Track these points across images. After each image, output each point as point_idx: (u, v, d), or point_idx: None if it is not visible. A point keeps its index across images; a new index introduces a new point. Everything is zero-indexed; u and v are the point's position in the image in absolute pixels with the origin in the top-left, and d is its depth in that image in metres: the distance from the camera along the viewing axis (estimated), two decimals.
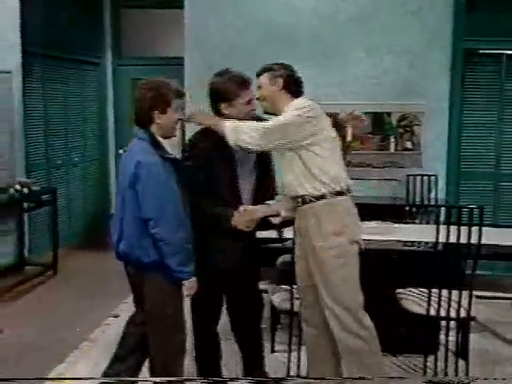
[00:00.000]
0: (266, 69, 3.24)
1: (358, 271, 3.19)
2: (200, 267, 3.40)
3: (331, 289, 3.15)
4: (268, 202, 3.35)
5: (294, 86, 3.22)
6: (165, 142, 3.07)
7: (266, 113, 3.30)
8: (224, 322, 3.62)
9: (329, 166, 3.11)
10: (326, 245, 3.11)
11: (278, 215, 3.32)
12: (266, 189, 3.42)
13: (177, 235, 2.95)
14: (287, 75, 3.21)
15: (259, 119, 3.25)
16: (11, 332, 2.74)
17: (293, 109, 3.10)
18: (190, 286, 3.06)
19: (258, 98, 3.27)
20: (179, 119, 3.08)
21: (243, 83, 3.21)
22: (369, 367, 3.17)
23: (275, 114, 3.19)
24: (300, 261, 3.30)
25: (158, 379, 2.67)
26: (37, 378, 2.93)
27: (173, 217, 2.94)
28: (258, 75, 3.26)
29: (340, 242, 3.11)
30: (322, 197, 3.10)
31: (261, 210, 3.31)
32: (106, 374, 3.29)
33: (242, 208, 3.27)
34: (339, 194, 3.12)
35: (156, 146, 3.00)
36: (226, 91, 3.20)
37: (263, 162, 3.44)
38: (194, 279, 3.06)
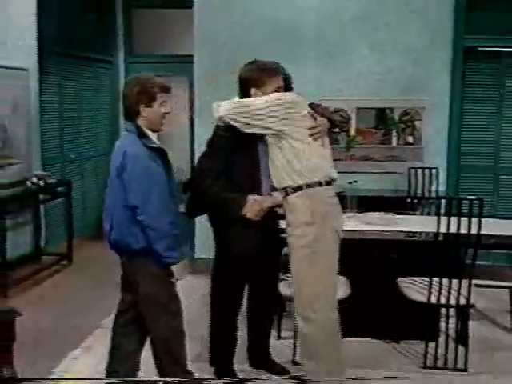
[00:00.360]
0: None
1: (335, 260, 3.21)
2: (223, 255, 3.50)
3: (299, 278, 3.20)
4: (273, 192, 3.44)
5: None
6: (153, 135, 3.14)
7: None
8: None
9: (306, 158, 3.17)
10: (297, 233, 3.16)
11: (282, 205, 3.39)
12: None
13: (163, 221, 3.00)
14: None
15: None
16: (28, 318, 2.86)
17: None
18: (178, 270, 3.12)
19: None
20: (165, 113, 3.14)
21: (271, 71, 3.33)
22: (323, 357, 3.18)
23: None
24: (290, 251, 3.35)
25: (168, 379, 2.71)
26: (37, 379, 3.02)
27: (158, 204, 2.99)
28: None
29: (311, 230, 3.13)
30: (300, 188, 3.17)
31: (269, 200, 3.42)
32: (109, 365, 3.32)
33: (251, 198, 3.37)
34: (317, 184, 3.17)
35: (143, 137, 3.07)
36: (254, 78, 3.32)
37: None
38: (182, 263, 3.13)
